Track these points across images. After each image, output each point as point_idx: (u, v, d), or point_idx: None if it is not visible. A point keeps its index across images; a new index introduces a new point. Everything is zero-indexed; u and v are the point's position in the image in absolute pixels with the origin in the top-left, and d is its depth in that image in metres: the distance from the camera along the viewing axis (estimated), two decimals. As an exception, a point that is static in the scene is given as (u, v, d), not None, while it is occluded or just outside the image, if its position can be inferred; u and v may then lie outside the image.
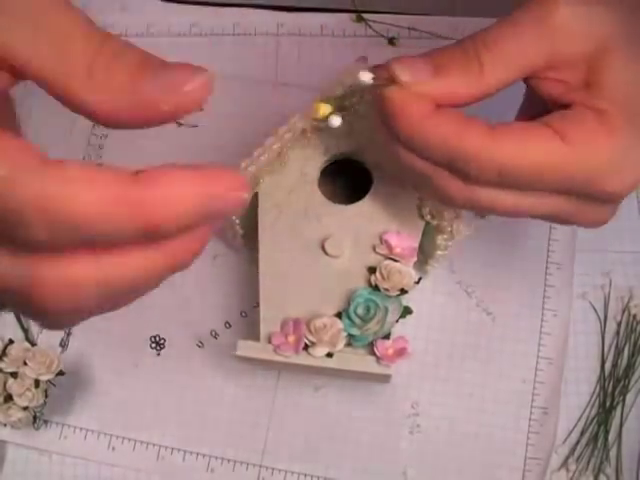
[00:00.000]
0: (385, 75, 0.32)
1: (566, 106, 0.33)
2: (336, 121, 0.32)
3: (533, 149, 0.31)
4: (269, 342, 0.41)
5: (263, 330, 0.42)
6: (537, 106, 0.35)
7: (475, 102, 0.32)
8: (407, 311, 0.43)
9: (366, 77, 0.31)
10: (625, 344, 0.51)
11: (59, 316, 0.24)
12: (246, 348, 0.42)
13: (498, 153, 0.31)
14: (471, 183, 0.32)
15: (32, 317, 0.25)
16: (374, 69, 0.33)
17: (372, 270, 0.42)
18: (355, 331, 0.41)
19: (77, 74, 0.24)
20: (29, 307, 0.23)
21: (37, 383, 0.48)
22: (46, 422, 0.51)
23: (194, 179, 0.23)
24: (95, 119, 0.25)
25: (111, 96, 0.24)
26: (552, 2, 0.32)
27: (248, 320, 0.52)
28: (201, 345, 0.52)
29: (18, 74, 0.25)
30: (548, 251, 0.53)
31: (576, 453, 0.49)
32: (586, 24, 0.32)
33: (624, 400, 0.50)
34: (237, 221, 0.47)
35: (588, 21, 0.32)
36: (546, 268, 0.52)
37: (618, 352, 0.51)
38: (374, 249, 0.43)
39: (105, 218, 0.22)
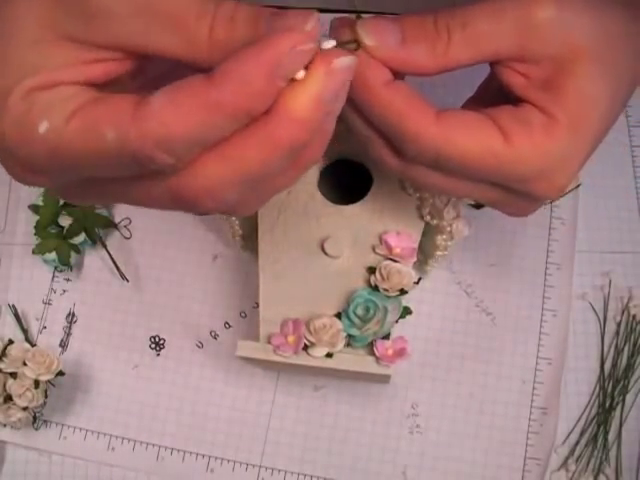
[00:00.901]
0: (349, 35, 0.31)
1: (519, 99, 0.33)
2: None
3: (474, 144, 0.31)
4: (269, 342, 0.41)
5: (263, 330, 0.42)
6: (493, 92, 0.36)
7: (433, 75, 0.32)
8: (407, 311, 0.43)
9: (329, 45, 0.28)
10: (625, 344, 0.51)
11: (218, 209, 0.28)
12: (246, 348, 0.42)
13: (439, 140, 0.31)
14: (406, 160, 0.33)
15: (198, 214, 0.29)
16: (337, 27, 0.32)
17: (372, 270, 0.42)
18: (355, 331, 0.41)
19: (199, 40, 0.26)
20: (189, 209, 0.28)
21: (37, 383, 0.48)
22: (46, 422, 0.51)
23: (256, 57, 0.25)
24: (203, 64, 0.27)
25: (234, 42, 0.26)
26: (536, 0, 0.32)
27: (248, 320, 0.52)
28: (201, 345, 0.52)
29: (140, 58, 0.28)
30: (548, 251, 0.53)
31: (576, 453, 0.49)
32: (565, 30, 0.31)
33: (624, 400, 0.50)
34: (237, 222, 0.47)
35: (567, 28, 0.31)
36: (546, 268, 0.52)
37: (618, 352, 0.51)
38: (374, 249, 0.43)
39: (201, 125, 0.25)
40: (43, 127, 0.26)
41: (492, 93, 0.35)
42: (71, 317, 0.53)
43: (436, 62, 0.31)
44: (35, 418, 0.51)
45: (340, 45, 0.29)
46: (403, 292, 0.42)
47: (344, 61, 0.26)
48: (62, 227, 0.53)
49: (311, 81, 0.26)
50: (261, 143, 0.26)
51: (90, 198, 0.31)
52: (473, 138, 0.31)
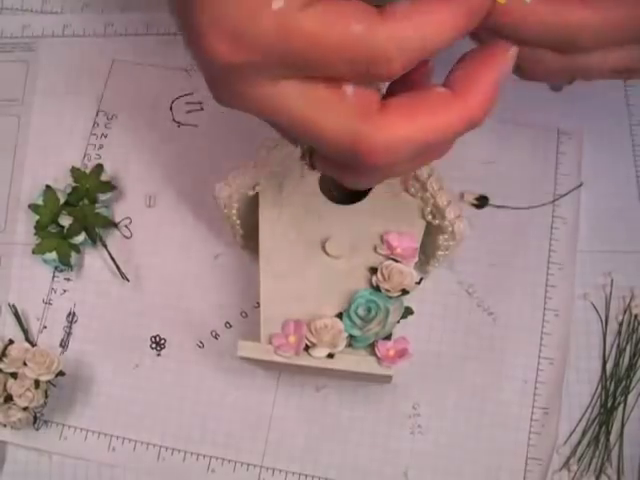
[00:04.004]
0: None
1: None
2: None
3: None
4: (270, 343, 0.41)
5: (264, 331, 0.42)
6: None
7: None
8: (408, 312, 0.43)
9: None
10: (627, 344, 0.51)
11: (376, 173, 0.29)
12: (247, 349, 0.42)
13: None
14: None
15: (352, 172, 0.29)
16: None
17: (373, 270, 0.42)
18: (356, 332, 0.41)
19: None
20: (355, 163, 0.28)
21: (37, 383, 0.48)
22: (46, 423, 0.51)
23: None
24: None
25: None
26: None
27: (248, 320, 0.52)
28: (201, 345, 0.52)
29: None
30: (549, 251, 0.52)
31: (577, 453, 0.49)
32: None
33: (626, 400, 0.50)
34: (238, 221, 0.46)
35: None
36: (547, 268, 0.52)
37: (620, 352, 0.51)
38: (375, 249, 0.43)
39: (440, 32, 0.27)
40: (277, 4, 0.26)
41: None
42: (71, 317, 0.53)
43: None
44: (35, 418, 0.50)
45: None
46: (405, 292, 0.42)
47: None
48: (62, 227, 0.53)
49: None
50: (449, 117, 0.28)
51: (258, 103, 0.29)
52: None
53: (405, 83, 0.30)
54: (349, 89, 0.27)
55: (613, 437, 0.49)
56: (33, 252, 0.53)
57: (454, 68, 0.30)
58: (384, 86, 0.30)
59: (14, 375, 0.48)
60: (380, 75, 0.27)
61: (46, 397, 0.49)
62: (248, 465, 0.50)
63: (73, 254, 0.52)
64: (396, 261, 0.42)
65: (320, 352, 0.41)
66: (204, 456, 0.50)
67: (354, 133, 0.27)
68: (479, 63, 0.29)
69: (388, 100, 0.28)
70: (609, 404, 0.49)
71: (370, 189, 0.44)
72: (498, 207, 0.53)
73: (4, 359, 0.49)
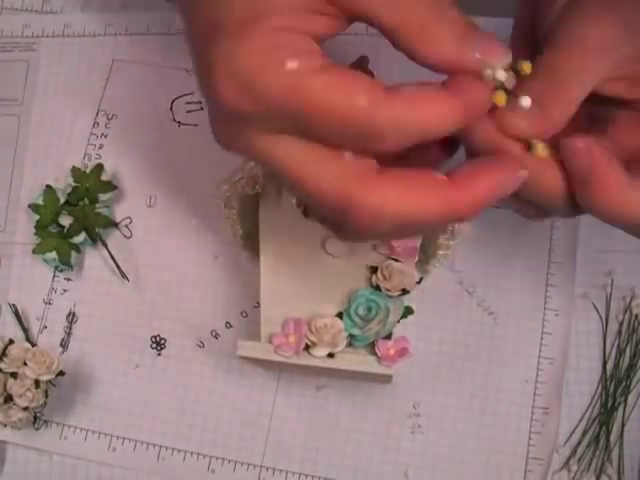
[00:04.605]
0: None
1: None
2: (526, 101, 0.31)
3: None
4: (270, 342, 0.41)
5: (264, 330, 0.42)
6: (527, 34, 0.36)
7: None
8: (408, 311, 0.43)
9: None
10: (627, 344, 0.51)
11: (357, 235, 0.29)
12: (247, 348, 0.42)
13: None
14: None
15: (337, 229, 0.30)
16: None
17: (373, 270, 0.42)
18: (356, 331, 0.41)
19: (410, 26, 0.28)
20: (341, 221, 0.29)
21: (37, 383, 0.48)
22: (46, 422, 0.51)
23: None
24: (426, 65, 0.29)
25: (439, 51, 0.28)
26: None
27: (249, 320, 0.52)
28: (202, 345, 0.52)
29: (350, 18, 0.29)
30: (550, 250, 0.52)
31: (578, 453, 0.49)
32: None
33: (626, 400, 0.50)
34: (238, 221, 0.46)
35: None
36: (548, 267, 0.52)
37: (620, 352, 0.51)
38: (375, 249, 0.43)
39: (437, 121, 0.28)
40: (292, 65, 0.26)
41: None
42: (72, 317, 0.53)
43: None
44: (36, 418, 0.50)
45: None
46: (405, 292, 0.42)
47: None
48: (62, 226, 0.53)
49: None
50: (437, 204, 0.28)
51: (263, 156, 0.30)
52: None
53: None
54: (348, 154, 0.28)
55: (613, 437, 0.49)
56: (33, 252, 0.53)
57: (463, 162, 0.30)
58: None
59: (14, 375, 0.48)
60: (374, 149, 0.28)
61: (46, 397, 0.49)
62: (248, 465, 0.50)
63: (73, 254, 0.52)
64: (396, 260, 0.42)
65: (320, 351, 0.41)
66: (204, 456, 0.50)
67: (346, 195, 0.28)
68: (486, 166, 0.29)
69: (386, 169, 0.28)
70: (609, 404, 0.49)
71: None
72: (498, 207, 0.53)
73: (4, 359, 0.49)
